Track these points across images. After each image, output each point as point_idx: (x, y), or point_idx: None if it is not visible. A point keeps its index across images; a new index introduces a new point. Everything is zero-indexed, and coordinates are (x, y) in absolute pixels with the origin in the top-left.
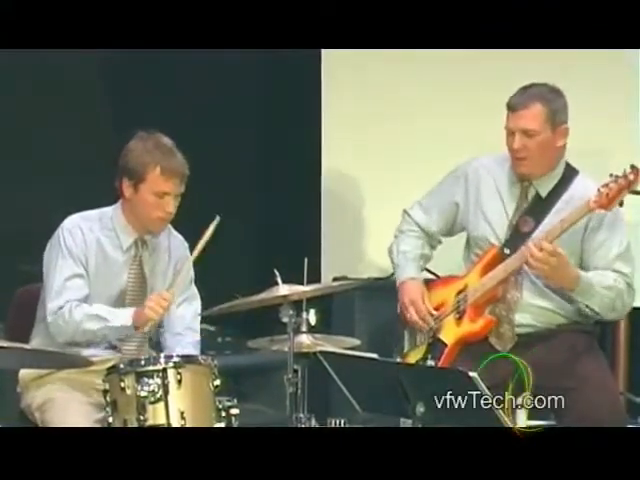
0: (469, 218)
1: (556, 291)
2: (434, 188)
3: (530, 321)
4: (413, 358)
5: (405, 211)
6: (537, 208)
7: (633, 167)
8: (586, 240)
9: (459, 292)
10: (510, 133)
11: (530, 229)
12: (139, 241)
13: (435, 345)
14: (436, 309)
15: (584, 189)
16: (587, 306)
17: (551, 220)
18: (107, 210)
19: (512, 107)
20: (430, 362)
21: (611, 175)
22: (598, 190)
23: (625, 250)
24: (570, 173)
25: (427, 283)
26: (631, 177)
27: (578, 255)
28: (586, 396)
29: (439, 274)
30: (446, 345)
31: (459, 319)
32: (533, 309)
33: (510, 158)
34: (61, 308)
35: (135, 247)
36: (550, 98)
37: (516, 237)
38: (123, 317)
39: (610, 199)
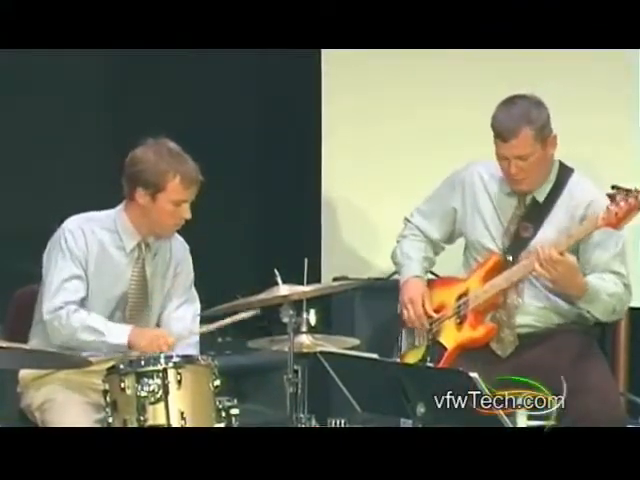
0: (467, 222)
1: (558, 294)
2: (432, 195)
3: (529, 322)
4: (412, 359)
5: (406, 218)
6: (535, 213)
7: None
8: (584, 241)
9: (460, 296)
10: (503, 158)
11: (530, 234)
12: (142, 243)
13: (434, 348)
14: (435, 310)
15: (580, 188)
16: (589, 312)
17: (549, 223)
18: (110, 212)
19: (501, 136)
20: (429, 364)
21: (614, 187)
22: (607, 208)
23: (621, 250)
24: (565, 173)
25: (427, 283)
26: None
27: (576, 253)
28: (586, 396)
29: (439, 274)
30: (446, 349)
31: (460, 324)
32: (532, 309)
33: (505, 176)
34: (59, 309)
35: (138, 249)
36: (535, 116)
37: (517, 243)
38: (119, 335)
39: (619, 219)
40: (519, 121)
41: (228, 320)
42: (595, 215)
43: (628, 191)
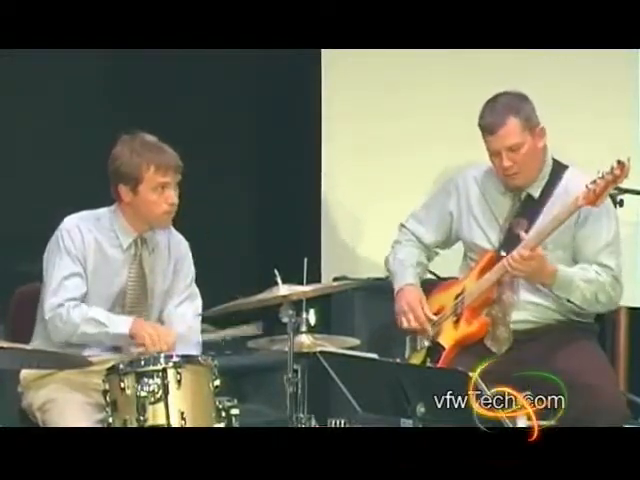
0: (462, 225)
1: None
2: (428, 200)
3: (526, 317)
4: (414, 362)
5: (401, 224)
6: (530, 209)
7: (619, 162)
8: (576, 233)
9: (457, 296)
10: (495, 154)
11: (524, 230)
12: (139, 240)
13: (434, 349)
14: (435, 314)
15: (574, 182)
16: (569, 300)
17: (544, 218)
18: (104, 211)
19: (488, 129)
20: (429, 364)
21: (599, 172)
22: (586, 187)
23: (611, 243)
24: (559, 169)
25: (428, 288)
26: (617, 172)
27: (570, 248)
28: (585, 394)
29: (441, 275)
30: (444, 348)
31: (456, 322)
32: (529, 306)
33: (498, 173)
34: (60, 306)
35: (135, 246)
36: (519, 107)
37: (511, 239)
38: (120, 325)
39: (597, 195)
40: (504, 112)
41: (230, 332)
42: (576, 195)
43: (605, 171)
